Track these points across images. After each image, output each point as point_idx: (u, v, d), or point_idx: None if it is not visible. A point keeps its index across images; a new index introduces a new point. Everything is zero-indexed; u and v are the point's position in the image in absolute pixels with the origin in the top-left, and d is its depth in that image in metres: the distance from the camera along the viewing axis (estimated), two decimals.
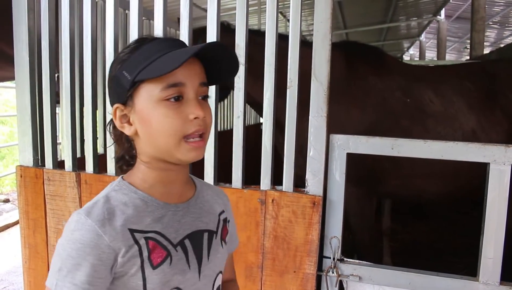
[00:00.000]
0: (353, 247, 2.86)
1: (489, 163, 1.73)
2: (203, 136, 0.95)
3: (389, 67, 2.99)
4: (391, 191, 3.02)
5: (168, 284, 0.95)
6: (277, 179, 1.98)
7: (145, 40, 0.96)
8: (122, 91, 0.94)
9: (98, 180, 2.20)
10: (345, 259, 1.92)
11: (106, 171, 2.23)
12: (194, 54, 0.90)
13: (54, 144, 2.34)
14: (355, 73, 2.82)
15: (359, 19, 12.66)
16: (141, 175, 0.99)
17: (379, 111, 2.80)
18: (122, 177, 1.02)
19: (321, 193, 1.89)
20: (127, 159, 1.04)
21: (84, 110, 2.27)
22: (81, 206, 2.21)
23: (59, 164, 2.35)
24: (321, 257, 1.93)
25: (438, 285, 1.81)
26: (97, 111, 2.55)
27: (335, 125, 1.92)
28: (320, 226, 1.89)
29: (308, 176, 1.90)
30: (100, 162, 2.29)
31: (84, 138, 2.29)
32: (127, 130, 0.97)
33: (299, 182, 1.96)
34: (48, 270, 2.28)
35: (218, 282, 1.09)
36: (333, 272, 1.89)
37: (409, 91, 2.87)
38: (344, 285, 1.94)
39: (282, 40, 1.98)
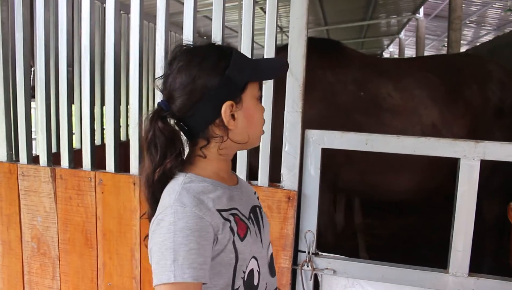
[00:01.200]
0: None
1: (459, 158, 1.77)
2: None
3: (345, 60, 2.92)
4: (348, 187, 2.98)
5: (250, 253, 1.07)
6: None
7: (226, 49, 1.10)
8: (236, 90, 1.06)
9: (73, 175, 2.18)
10: (320, 253, 1.94)
11: (81, 166, 2.21)
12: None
13: (29, 138, 2.31)
14: None
15: (340, 16, 12.71)
16: (204, 165, 1.09)
17: (328, 106, 2.74)
18: (183, 172, 1.07)
19: (296, 187, 1.90)
20: (182, 157, 1.10)
21: (59, 104, 2.25)
22: (56, 202, 2.20)
23: (34, 159, 2.33)
24: (296, 251, 1.95)
25: (411, 278, 1.86)
26: (73, 106, 2.53)
27: (281, 120, 1.92)
28: (295, 221, 1.91)
29: (283, 171, 1.92)
30: (75, 157, 2.27)
31: (60, 132, 2.26)
32: (232, 124, 1.06)
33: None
34: (23, 266, 2.27)
35: (271, 249, 1.23)
36: (308, 266, 1.92)
37: (365, 84, 2.81)
38: (319, 279, 1.96)
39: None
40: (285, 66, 1.17)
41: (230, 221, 1.02)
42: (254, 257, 1.09)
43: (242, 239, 1.04)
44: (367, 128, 2.67)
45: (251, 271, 1.09)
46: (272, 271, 1.21)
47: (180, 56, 1.07)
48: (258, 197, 1.27)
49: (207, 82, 1.04)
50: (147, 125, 1.05)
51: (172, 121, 1.07)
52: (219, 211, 1.01)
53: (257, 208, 1.20)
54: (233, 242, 1.02)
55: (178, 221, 0.95)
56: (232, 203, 1.07)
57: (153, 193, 1.07)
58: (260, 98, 1.13)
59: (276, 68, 1.16)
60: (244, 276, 1.06)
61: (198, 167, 1.08)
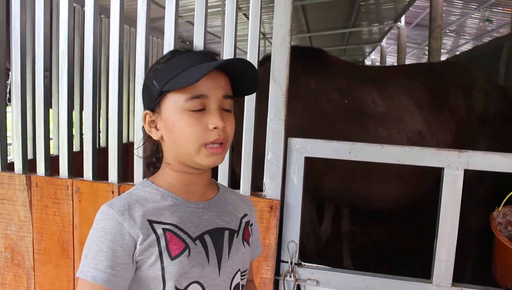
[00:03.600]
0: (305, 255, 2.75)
1: (443, 168, 1.77)
2: (223, 145, 1.00)
3: (329, 68, 2.90)
4: (331, 196, 2.95)
5: (186, 276, 0.99)
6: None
7: (177, 52, 1.04)
8: (151, 99, 1.02)
9: (50, 183, 2.11)
10: (303, 263, 1.91)
11: (58, 174, 2.15)
12: (215, 68, 0.97)
13: (4, 144, 2.23)
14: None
15: (322, 23, 12.80)
16: (164, 176, 1.07)
17: (310, 114, 2.71)
18: (146, 178, 1.10)
19: (278, 197, 1.87)
20: (153, 161, 1.12)
21: (36, 109, 2.18)
22: (31, 210, 2.13)
23: (8, 166, 2.25)
24: (278, 261, 1.92)
25: (394, 288, 1.84)
26: (51, 111, 2.46)
27: (263, 128, 1.89)
28: (277, 230, 1.87)
29: (265, 179, 1.89)
30: (52, 164, 2.20)
31: (36, 138, 2.19)
32: (154, 135, 1.05)
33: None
34: None
35: (237, 279, 1.11)
36: (290, 277, 1.88)
37: (349, 92, 2.78)
38: (302, 289, 1.93)
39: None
40: (201, 73, 0.94)
41: (158, 235, 0.97)
42: (197, 282, 1.00)
43: (172, 258, 0.97)
44: (351, 136, 2.66)
45: None
46: None
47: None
48: (248, 222, 1.18)
49: (142, 88, 1.08)
50: None
51: None
52: (151, 221, 0.98)
53: (226, 231, 1.09)
54: (160, 258, 0.97)
55: (100, 221, 0.97)
56: (174, 218, 1.01)
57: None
58: (197, 110, 0.97)
59: (200, 72, 0.94)
60: None
61: (159, 175, 1.08)
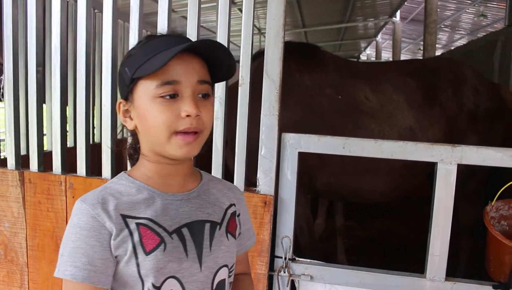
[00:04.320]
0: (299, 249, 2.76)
1: (437, 163, 1.77)
2: (196, 134, 0.94)
3: (322, 64, 2.90)
4: (324, 190, 2.96)
5: (162, 271, 0.94)
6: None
7: (153, 36, 0.99)
8: (124, 87, 0.98)
9: (43, 178, 2.10)
10: (297, 258, 1.92)
11: (52, 170, 2.14)
12: (186, 50, 0.92)
13: None
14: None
15: (318, 18, 12.80)
16: (142, 168, 1.03)
17: (304, 109, 2.72)
18: (124, 171, 1.06)
19: (272, 192, 1.87)
20: (131, 152, 1.09)
21: (28, 105, 2.17)
22: (24, 206, 2.12)
23: (1, 162, 2.24)
24: (272, 257, 1.92)
25: (388, 282, 1.84)
26: (44, 106, 2.45)
27: (256, 123, 1.89)
28: (271, 226, 1.87)
29: (259, 175, 1.88)
30: (45, 160, 2.19)
31: (29, 134, 2.18)
32: (129, 124, 1.01)
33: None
34: None
35: (222, 275, 1.05)
36: (284, 272, 1.88)
37: (342, 88, 2.80)
38: (296, 285, 1.93)
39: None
40: (164, 58, 0.90)
41: (131, 230, 0.93)
42: (175, 277, 0.96)
43: (147, 253, 0.93)
44: (344, 131, 2.67)
45: None
46: None
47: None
48: (234, 212, 1.12)
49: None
50: None
51: None
52: (124, 216, 0.94)
53: (207, 224, 1.03)
54: (135, 253, 0.93)
55: (74, 216, 0.94)
56: (149, 212, 0.96)
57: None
58: (167, 96, 0.92)
59: (154, 60, 0.92)
60: None
61: (136, 167, 1.05)
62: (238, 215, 1.15)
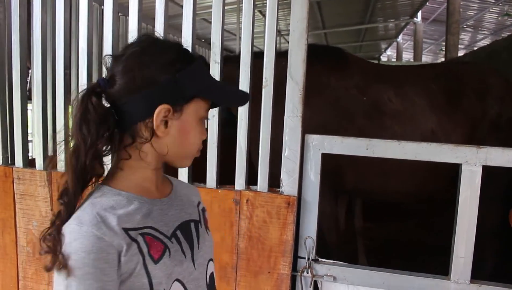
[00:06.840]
0: (325, 248, 2.83)
1: (461, 164, 1.76)
2: None
3: (348, 66, 2.95)
4: (351, 189, 3.00)
5: (170, 276, 0.97)
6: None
7: (188, 54, 1.04)
8: (180, 96, 0.98)
9: None
10: (320, 259, 1.92)
11: None
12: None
13: (25, 142, 2.27)
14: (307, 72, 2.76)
15: (338, 19, 12.74)
16: (124, 175, 1.00)
17: (331, 110, 2.77)
18: (100, 183, 1.00)
19: (295, 193, 1.88)
20: (114, 145, 1.01)
21: (56, 107, 2.22)
22: (52, 206, 2.16)
23: (29, 163, 2.29)
24: (295, 257, 1.92)
25: (412, 284, 1.83)
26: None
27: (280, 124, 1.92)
28: (295, 227, 1.88)
29: (283, 176, 1.89)
30: None
31: (56, 135, 2.23)
32: (160, 131, 0.97)
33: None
34: (18, 272, 2.23)
35: (211, 269, 1.13)
36: (307, 273, 1.89)
37: (367, 90, 2.84)
38: (319, 285, 1.94)
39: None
40: (242, 99, 1.14)
41: (138, 242, 0.92)
42: (178, 280, 0.98)
43: (156, 261, 0.94)
44: (369, 132, 2.70)
45: None
46: None
47: (140, 42, 1.01)
48: (203, 209, 1.19)
49: (152, 75, 0.95)
50: (78, 101, 0.95)
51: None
52: (126, 230, 0.91)
53: (192, 223, 1.09)
54: (144, 265, 0.92)
55: (73, 241, 0.87)
56: (147, 220, 0.96)
57: (78, 183, 0.94)
58: (203, 121, 1.05)
59: (230, 96, 1.11)
60: None
61: (118, 179, 0.99)
62: (205, 211, 1.21)
